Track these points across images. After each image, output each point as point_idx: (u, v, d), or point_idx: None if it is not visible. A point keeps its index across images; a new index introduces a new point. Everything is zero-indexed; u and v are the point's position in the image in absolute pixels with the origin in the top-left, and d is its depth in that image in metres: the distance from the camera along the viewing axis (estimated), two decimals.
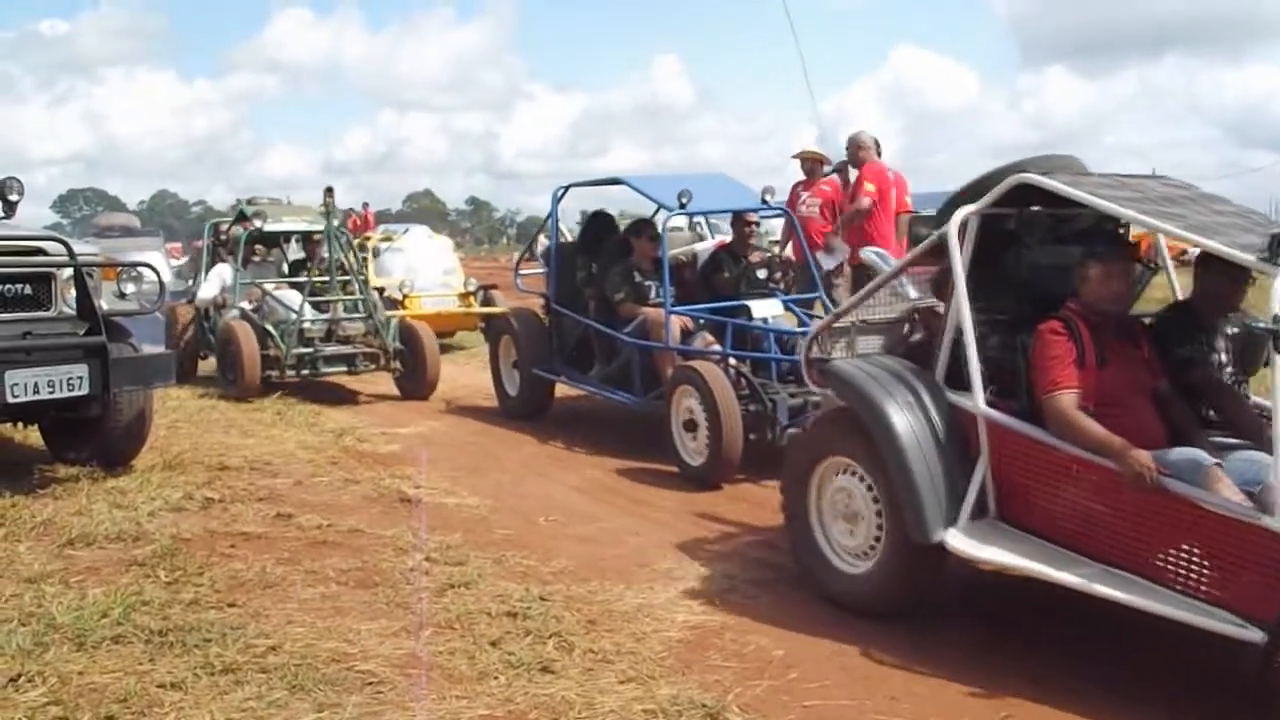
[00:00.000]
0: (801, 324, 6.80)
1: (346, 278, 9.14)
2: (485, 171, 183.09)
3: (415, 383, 8.92)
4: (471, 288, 12.39)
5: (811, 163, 8.44)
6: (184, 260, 17.98)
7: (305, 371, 8.67)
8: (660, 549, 4.76)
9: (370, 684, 3.23)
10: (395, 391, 9.11)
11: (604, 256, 7.51)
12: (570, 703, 3.13)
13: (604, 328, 7.15)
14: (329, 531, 4.85)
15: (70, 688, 3.10)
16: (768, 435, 5.87)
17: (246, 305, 9.10)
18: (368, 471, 6.13)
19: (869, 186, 8.06)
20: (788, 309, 6.88)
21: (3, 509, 4.95)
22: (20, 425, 6.16)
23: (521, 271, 9.11)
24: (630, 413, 7.08)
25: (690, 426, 5.97)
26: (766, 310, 6.62)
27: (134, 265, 5.91)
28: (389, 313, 9.45)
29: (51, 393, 5.05)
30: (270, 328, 8.62)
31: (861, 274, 8.72)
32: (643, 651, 3.54)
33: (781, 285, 7.19)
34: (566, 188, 8.01)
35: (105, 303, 5.49)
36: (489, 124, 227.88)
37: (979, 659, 3.56)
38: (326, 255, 9.07)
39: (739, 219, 7.29)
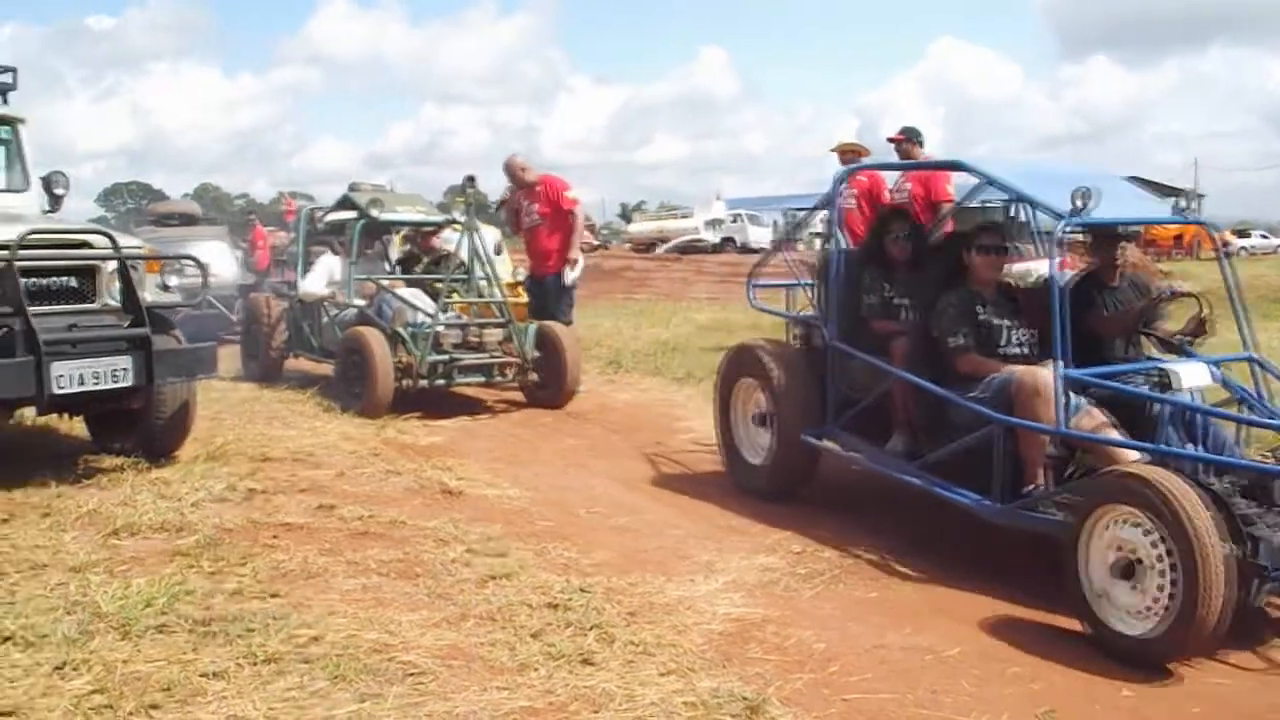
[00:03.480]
0: (1244, 402, 4.43)
1: (482, 277, 8.31)
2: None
3: (551, 392, 8.18)
4: (520, 277, 12.33)
5: (851, 155, 8.34)
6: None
7: (440, 382, 7.82)
8: (701, 541, 4.73)
9: (411, 675, 3.22)
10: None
11: (915, 275, 5.31)
12: (611, 695, 3.11)
13: (935, 386, 4.68)
14: (370, 523, 4.86)
15: (115, 676, 3.12)
16: (1246, 592, 3.48)
17: (361, 303, 8.35)
18: (409, 463, 6.13)
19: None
20: (1216, 378, 4.43)
21: (49, 499, 5.02)
22: (66, 416, 6.24)
23: (757, 282, 6.25)
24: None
25: (1128, 572, 3.59)
26: (1196, 379, 4.23)
27: (178, 258, 5.95)
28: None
29: (96, 384, 5.11)
30: (401, 330, 7.82)
31: (545, 287, 8.83)
32: (683, 644, 3.51)
33: (1189, 338, 4.75)
34: (853, 169, 6.30)
35: (149, 295, 5.54)
36: (530, 117, 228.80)
37: (1022, 653, 3.51)
38: (465, 254, 8.18)
39: (1109, 234, 4.87)
